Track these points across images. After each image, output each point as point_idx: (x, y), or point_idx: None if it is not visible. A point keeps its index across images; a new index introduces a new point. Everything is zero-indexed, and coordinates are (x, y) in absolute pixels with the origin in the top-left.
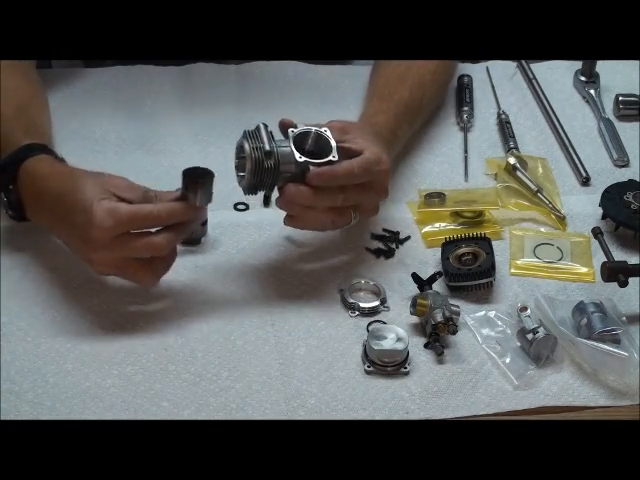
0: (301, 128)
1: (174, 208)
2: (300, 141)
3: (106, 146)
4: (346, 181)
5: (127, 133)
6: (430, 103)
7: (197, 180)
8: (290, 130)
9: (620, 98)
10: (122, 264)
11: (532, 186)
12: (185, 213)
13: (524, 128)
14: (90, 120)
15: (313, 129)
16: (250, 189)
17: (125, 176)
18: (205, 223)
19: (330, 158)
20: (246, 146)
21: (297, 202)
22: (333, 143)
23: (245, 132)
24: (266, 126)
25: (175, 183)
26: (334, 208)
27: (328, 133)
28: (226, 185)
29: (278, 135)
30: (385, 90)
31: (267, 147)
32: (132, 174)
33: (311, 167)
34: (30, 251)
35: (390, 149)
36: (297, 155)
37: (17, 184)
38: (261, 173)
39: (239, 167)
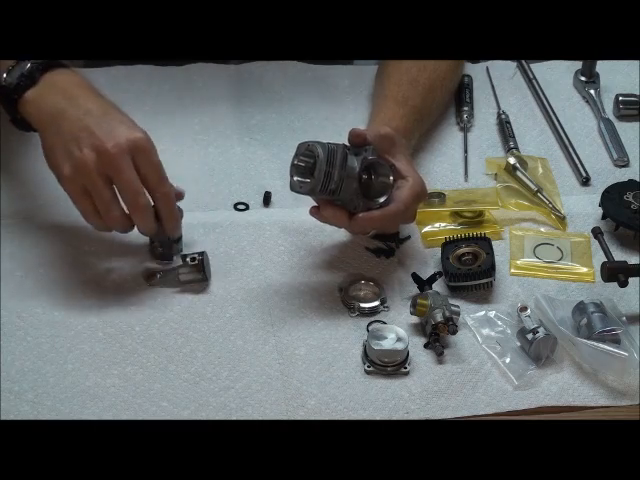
0: (371, 157)
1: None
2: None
3: None
4: (391, 222)
5: None
6: (438, 108)
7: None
8: (360, 158)
9: (620, 98)
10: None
11: (532, 186)
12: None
13: (524, 128)
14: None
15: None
16: (300, 192)
17: None
18: (179, 240)
19: (382, 201)
20: (321, 165)
21: (333, 223)
22: (390, 180)
23: (326, 147)
24: (346, 148)
25: (175, 183)
26: None
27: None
28: (226, 185)
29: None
30: (399, 94)
31: (334, 183)
32: None
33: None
34: (30, 251)
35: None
36: (361, 197)
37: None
38: (319, 192)
39: (299, 169)
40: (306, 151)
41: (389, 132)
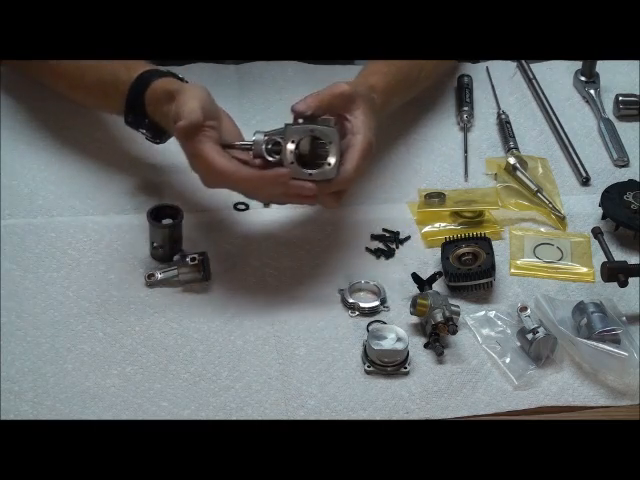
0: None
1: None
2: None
3: (107, 145)
4: (339, 189)
5: (128, 132)
6: (426, 79)
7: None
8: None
9: (620, 98)
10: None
11: (532, 186)
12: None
13: (524, 128)
14: (91, 120)
15: (312, 129)
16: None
17: (125, 175)
18: (179, 240)
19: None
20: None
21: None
22: (331, 159)
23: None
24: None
25: (175, 182)
26: None
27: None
28: None
29: None
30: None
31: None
32: (134, 172)
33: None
34: (30, 250)
35: (379, 115)
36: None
37: (146, 109)
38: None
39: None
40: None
41: (344, 90)
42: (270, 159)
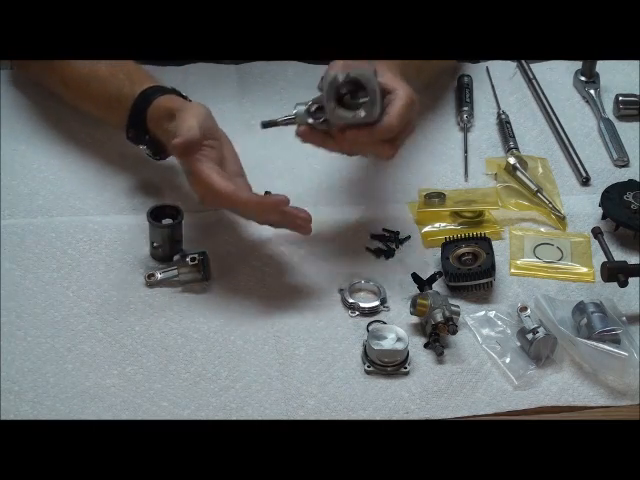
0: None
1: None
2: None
3: (108, 145)
4: (386, 137)
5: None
6: (435, 66)
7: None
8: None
9: (620, 98)
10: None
11: (532, 186)
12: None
13: (524, 128)
14: (91, 120)
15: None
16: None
17: (125, 175)
18: (179, 240)
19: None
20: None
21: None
22: (376, 96)
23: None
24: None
25: (174, 182)
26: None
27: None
28: None
29: None
30: None
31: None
32: (134, 172)
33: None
34: (31, 250)
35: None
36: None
37: (148, 125)
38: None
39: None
40: (344, 83)
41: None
42: (313, 121)
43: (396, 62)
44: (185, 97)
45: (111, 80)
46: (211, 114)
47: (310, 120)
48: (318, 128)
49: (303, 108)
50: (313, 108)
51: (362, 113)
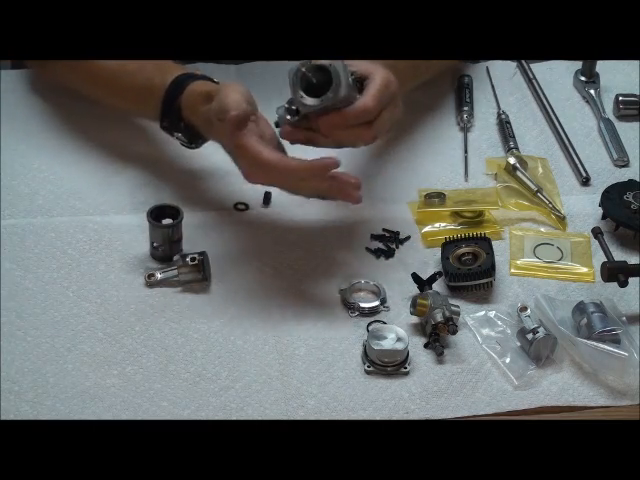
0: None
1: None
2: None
3: (108, 145)
4: (362, 119)
5: (128, 132)
6: (430, 68)
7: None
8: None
9: (620, 98)
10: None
11: (532, 186)
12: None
13: (524, 128)
14: (91, 120)
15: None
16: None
17: (125, 175)
18: (179, 240)
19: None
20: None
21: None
22: (340, 77)
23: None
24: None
25: (176, 182)
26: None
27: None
28: (226, 185)
29: None
30: None
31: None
32: (134, 172)
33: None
34: (31, 251)
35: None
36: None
37: (182, 113)
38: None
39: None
40: (307, 71)
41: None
42: (291, 119)
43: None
44: (216, 82)
45: (141, 72)
46: (248, 90)
47: (288, 117)
48: (301, 126)
49: (282, 109)
50: (290, 107)
51: (329, 95)
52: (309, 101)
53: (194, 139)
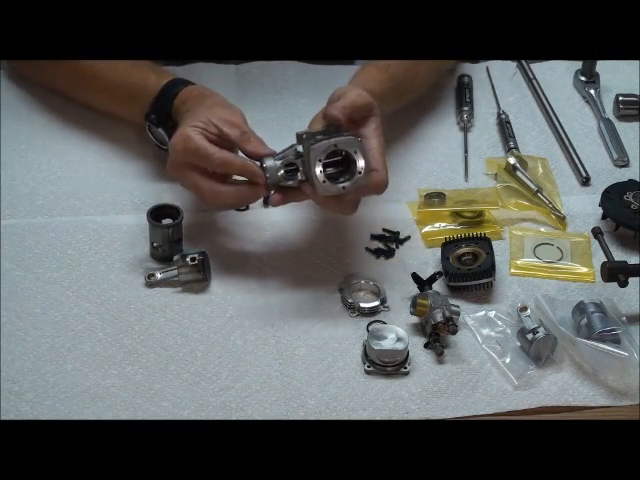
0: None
1: (230, 164)
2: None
3: (108, 145)
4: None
5: (128, 132)
6: (422, 83)
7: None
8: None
9: (620, 98)
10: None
11: (532, 186)
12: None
13: (524, 128)
14: (91, 120)
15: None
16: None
17: (125, 175)
18: (179, 240)
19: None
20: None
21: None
22: (361, 166)
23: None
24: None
25: (174, 182)
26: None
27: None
28: None
29: None
30: (381, 61)
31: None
32: (134, 172)
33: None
34: (31, 250)
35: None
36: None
37: (174, 107)
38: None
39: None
40: (330, 155)
41: (369, 101)
42: (287, 184)
43: (379, 88)
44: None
45: (133, 72)
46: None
47: (285, 181)
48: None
49: (273, 165)
50: (284, 169)
51: (355, 185)
52: (329, 187)
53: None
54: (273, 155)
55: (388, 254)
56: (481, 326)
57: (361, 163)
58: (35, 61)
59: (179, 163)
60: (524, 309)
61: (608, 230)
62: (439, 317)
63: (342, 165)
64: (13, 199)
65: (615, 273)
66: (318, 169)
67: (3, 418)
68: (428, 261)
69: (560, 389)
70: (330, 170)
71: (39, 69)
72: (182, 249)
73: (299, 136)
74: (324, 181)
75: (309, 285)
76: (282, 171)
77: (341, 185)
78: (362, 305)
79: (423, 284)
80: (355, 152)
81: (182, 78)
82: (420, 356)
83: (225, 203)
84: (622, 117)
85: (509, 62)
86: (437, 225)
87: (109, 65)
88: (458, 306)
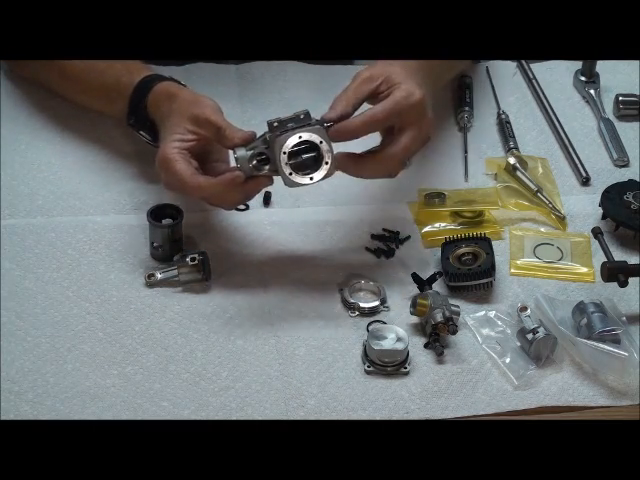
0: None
1: (203, 189)
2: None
3: (108, 145)
4: (370, 129)
5: (128, 132)
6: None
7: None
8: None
9: (620, 98)
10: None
11: (532, 186)
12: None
13: (524, 128)
14: (91, 120)
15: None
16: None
17: (125, 175)
18: (179, 240)
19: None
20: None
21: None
22: (327, 157)
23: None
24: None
25: None
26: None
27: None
28: None
29: None
30: None
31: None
32: (134, 172)
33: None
34: (31, 251)
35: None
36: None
37: (148, 111)
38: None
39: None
40: (295, 146)
41: (367, 74)
42: (260, 174)
43: (416, 68)
44: (184, 85)
45: (108, 71)
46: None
47: (253, 171)
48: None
49: (244, 155)
50: (255, 159)
51: (319, 177)
52: (298, 179)
53: (157, 138)
54: (252, 138)
55: (388, 254)
56: (481, 326)
57: (327, 153)
58: (30, 62)
59: (169, 184)
60: (524, 309)
61: (608, 230)
62: (439, 317)
63: (314, 151)
64: (13, 199)
65: (615, 273)
66: (283, 161)
67: (3, 418)
68: (428, 261)
69: (560, 389)
70: (303, 158)
71: (34, 70)
72: (182, 249)
73: (270, 124)
74: (290, 173)
75: (309, 285)
76: (255, 161)
77: (308, 176)
78: (362, 305)
79: (423, 284)
80: (321, 142)
81: (154, 74)
82: (420, 356)
83: (228, 203)
84: (622, 117)
85: (509, 62)
86: (437, 225)
87: (88, 66)
88: (458, 306)
